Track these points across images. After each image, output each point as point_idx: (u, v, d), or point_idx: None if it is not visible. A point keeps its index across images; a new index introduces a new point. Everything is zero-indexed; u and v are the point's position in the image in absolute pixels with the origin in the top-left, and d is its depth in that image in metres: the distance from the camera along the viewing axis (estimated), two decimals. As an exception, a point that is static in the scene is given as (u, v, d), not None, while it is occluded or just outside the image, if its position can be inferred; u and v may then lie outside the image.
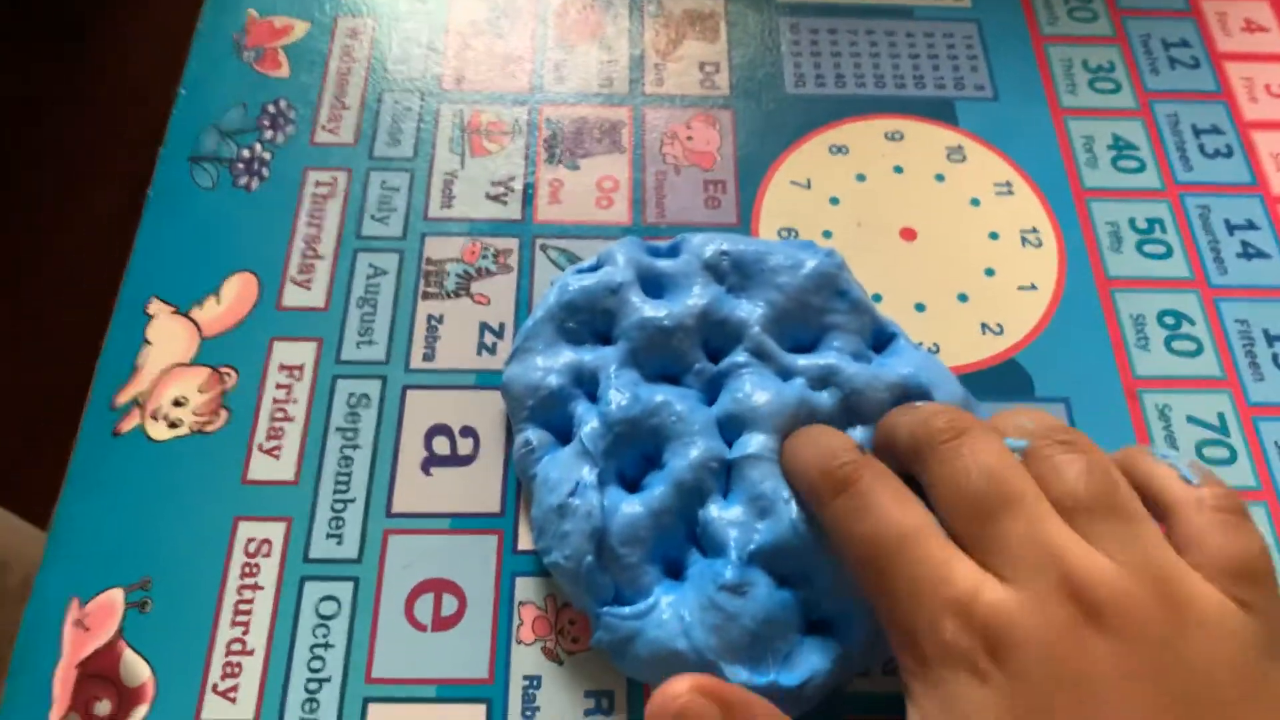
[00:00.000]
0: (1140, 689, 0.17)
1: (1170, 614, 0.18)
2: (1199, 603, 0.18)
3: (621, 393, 0.25)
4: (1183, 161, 0.33)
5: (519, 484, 0.27)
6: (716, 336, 0.26)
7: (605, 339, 0.27)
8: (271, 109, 0.33)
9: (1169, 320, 0.30)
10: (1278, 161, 0.33)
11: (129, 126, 1.06)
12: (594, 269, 0.28)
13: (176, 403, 0.28)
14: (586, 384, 0.27)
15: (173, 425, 0.28)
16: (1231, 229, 0.32)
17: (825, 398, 0.25)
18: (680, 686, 0.19)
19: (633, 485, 0.25)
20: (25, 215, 1.01)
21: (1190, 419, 0.28)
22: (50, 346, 0.91)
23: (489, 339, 0.29)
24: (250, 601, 0.25)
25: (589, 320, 0.27)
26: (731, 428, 0.25)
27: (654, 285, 0.28)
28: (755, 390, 0.25)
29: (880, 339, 0.28)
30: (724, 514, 0.24)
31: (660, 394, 0.25)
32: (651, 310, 0.26)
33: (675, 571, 0.24)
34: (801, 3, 0.37)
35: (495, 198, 0.32)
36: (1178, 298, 0.31)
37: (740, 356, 0.26)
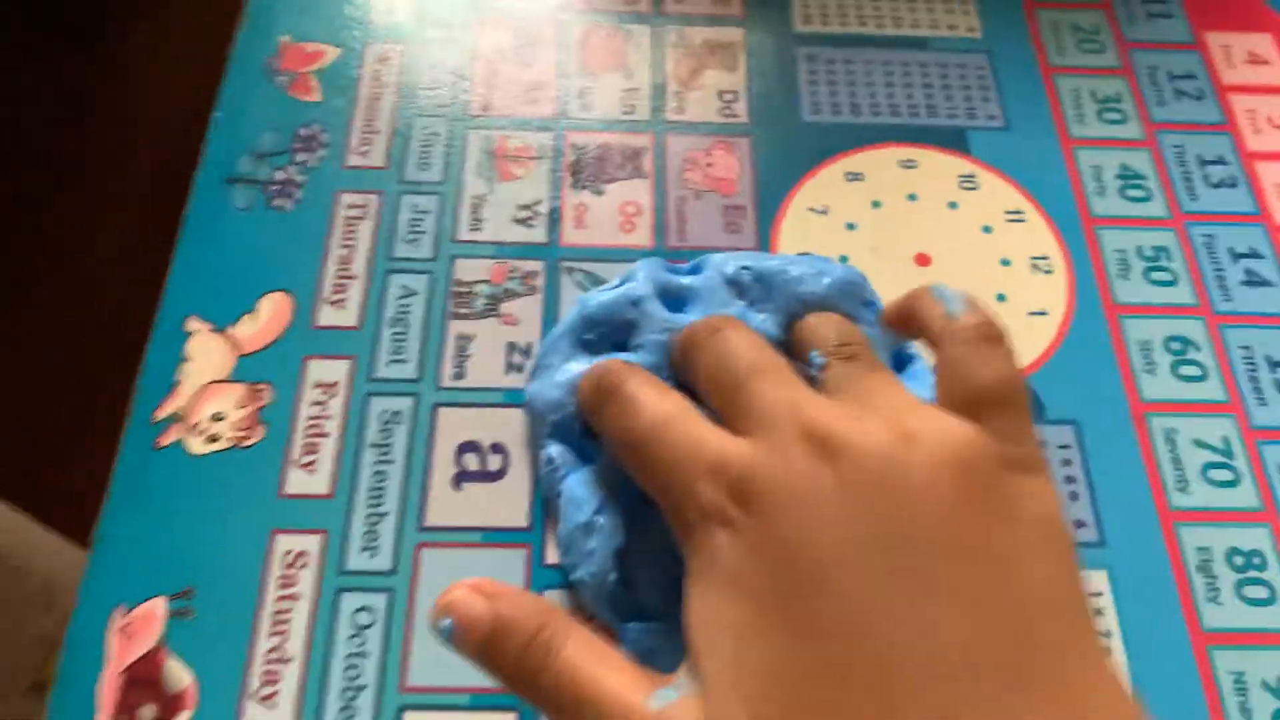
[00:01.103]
0: (865, 504, 0.18)
1: (898, 439, 0.19)
2: (929, 427, 0.19)
3: None
4: (1188, 191, 0.34)
5: (546, 500, 0.28)
6: None
7: (622, 350, 0.28)
8: (304, 132, 0.35)
9: (1175, 346, 0.31)
10: (1280, 192, 0.35)
11: (151, 145, 1.07)
12: (616, 287, 0.29)
13: (215, 418, 0.29)
14: None
15: (211, 439, 0.29)
16: (1236, 257, 0.33)
17: None
18: (455, 586, 0.21)
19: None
20: (54, 232, 1.02)
21: (1196, 442, 0.29)
22: (71, 359, 0.92)
23: (516, 358, 0.30)
24: (288, 611, 0.26)
25: (608, 333, 0.28)
26: None
27: (675, 302, 0.29)
28: None
29: (900, 360, 0.29)
30: None
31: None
32: (676, 320, 0.27)
33: None
34: (818, 33, 0.38)
35: (522, 221, 0.33)
36: (1184, 324, 0.32)
37: None
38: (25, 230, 1.01)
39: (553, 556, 0.27)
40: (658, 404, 0.23)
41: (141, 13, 1.14)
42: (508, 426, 0.29)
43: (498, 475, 0.28)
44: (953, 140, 0.35)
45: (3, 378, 0.90)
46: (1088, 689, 0.17)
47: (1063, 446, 0.29)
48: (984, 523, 0.18)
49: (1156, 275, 0.33)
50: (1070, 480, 0.29)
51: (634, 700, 0.18)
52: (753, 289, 0.28)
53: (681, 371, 0.25)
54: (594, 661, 0.19)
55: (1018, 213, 0.34)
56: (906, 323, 0.23)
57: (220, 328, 0.31)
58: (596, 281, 0.32)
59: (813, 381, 0.23)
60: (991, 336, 0.21)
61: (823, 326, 0.25)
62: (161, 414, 0.29)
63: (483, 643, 0.20)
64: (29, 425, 0.88)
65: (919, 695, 0.16)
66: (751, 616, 0.18)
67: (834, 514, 0.18)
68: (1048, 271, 0.33)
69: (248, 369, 0.30)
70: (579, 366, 0.27)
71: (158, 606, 0.26)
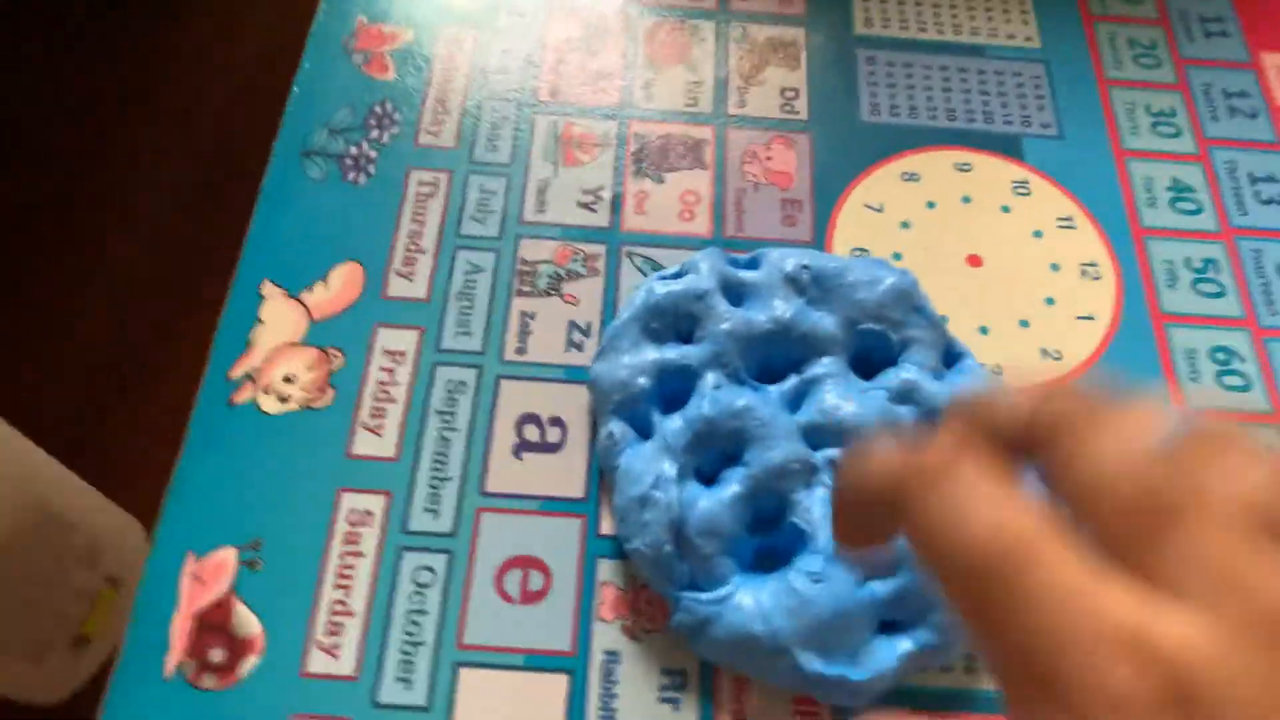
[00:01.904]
0: None
1: None
2: None
3: (705, 395, 0.27)
4: (1238, 206, 0.35)
5: (602, 473, 0.29)
6: (798, 347, 0.28)
7: (687, 341, 0.29)
8: (378, 110, 0.36)
9: (1220, 356, 0.32)
10: (1330, 211, 0.35)
11: (217, 117, 1.09)
12: (678, 276, 0.30)
13: (286, 379, 0.30)
14: (669, 382, 0.28)
15: (283, 400, 0.30)
16: (1283, 273, 0.34)
17: (905, 412, 0.27)
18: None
19: (709, 481, 0.27)
20: (119, 196, 1.04)
21: (1237, 450, 0.30)
22: (121, 329, 0.94)
23: (577, 336, 0.31)
24: (352, 567, 0.27)
25: (673, 323, 0.29)
26: (815, 436, 0.27)
27: (735, 295, 0.30)
28: (840, 401, 0.27)
29: (949, 357, 0.29)
30: (814, 507, 0.25)
31: (744, 398, 0.27)
32: (743, 314, 0.28)
33: (757, 563, 0.26)
34: (878, 36, 0.39)
35: (585, 205, 0.34)
36: (1229, 335, 0.32)
37: (822, 368, 0.28)
38: (93, 194, 1.03)
39: (607, 527, 0.28)
40: (1014, 511, 0.14)
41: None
42: (567, 401, 0.30)
43: (556, 447, 0.29)
44: (1007, 146, 0.36)
45: (54, 345, 0.92)
46: None
47: (1106, 448, 0.30)
48: None
49: (1204, 286, 0.33)
50: (1112, 481, 0.29)
51: None
52: (810, 288, 0.29)
53: (1027, 453, 0.16)
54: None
55: (1068, 219, 0.34)
56: None
57: (294, 293, 0.32)
58: (655, 267, 0.33)
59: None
60: None
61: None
62: (236, 372, 0.30)
63: None
64: (81, 390, 0.90)
65: None
66: None
67: None
68: (1096, 278, 0.33)
69: (319, 334, 0.31)
70: (649, 354, 0.28)
71: (228, 555, 0.28)
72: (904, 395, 0.27)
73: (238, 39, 1.14)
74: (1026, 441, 0.16)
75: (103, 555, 0.57)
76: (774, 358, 0.29)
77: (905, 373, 0.28)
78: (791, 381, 0.28)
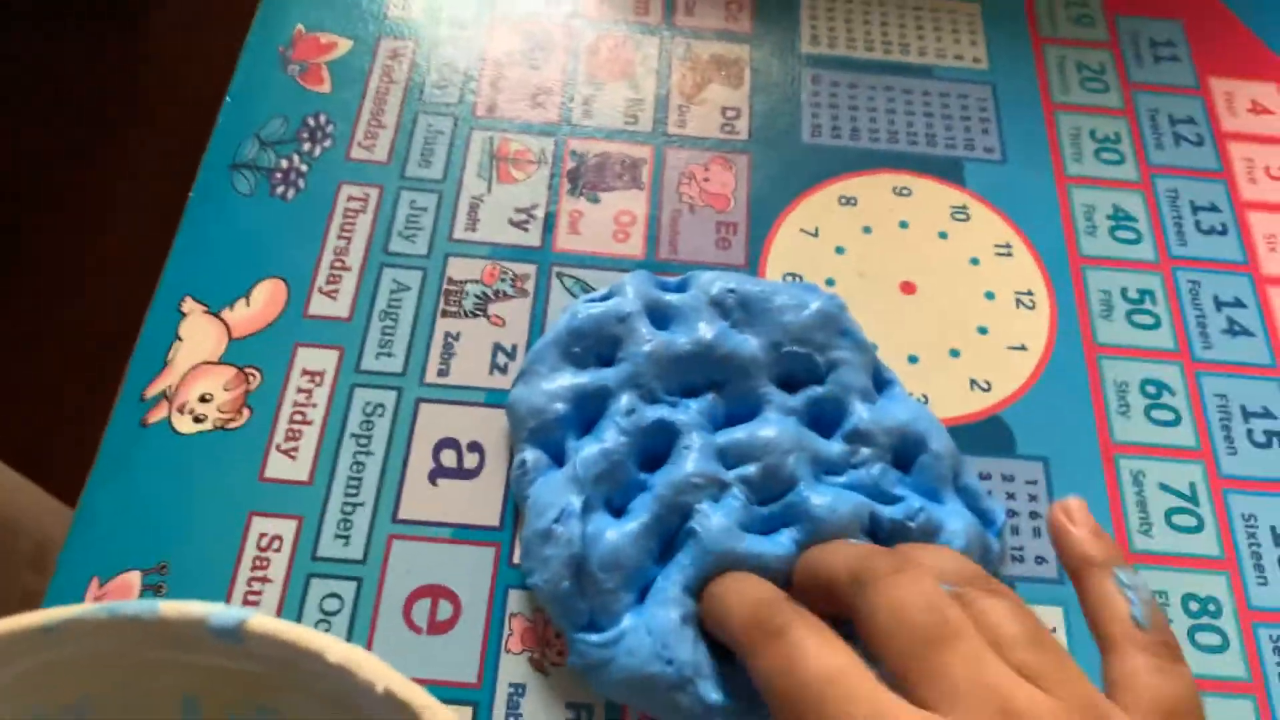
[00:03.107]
0: None
1: None
2: None
3: (614, 417, 0.27)
4: (1178, 236, 0.35)
5: (516, 502, 0.28)
6: (720, 369, 0.28)
7: (608, 364, 0.29)
8: (311, 122, 0.35)
9: (1151, 389, 0.32)
10: (1270, 243, 0.35)
11: (168, 128, 1.08)
12: (604, 299, 0.30)
13: (203, 398, 0.30)
14: (587, 407, 0.28)
15: (198, 420, 0.29)
16: (1219, 305, 0.33)
17: (830, 443, 0.27)
18: None
19: (620, 512, 0.27)
20: (72, 207, 1.03)
21: (1162, 486, 0.30)
22: (82, 330, 0.93)
23: (501, 359, 0.31)
24: (259, 593, 0.27)
25: (594, 345, 0.29)
26: (732, 456, 0.26)
27: (661, 318, 0.29)
28: (762, 424, 0.26)
29: (877, 383, 0.29)
30: (714, 516, 0.25)
31: (661, 411, 0.27)
32: (664, 336, 0.28)
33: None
34: (825, 55, 0.38)
35: (518, 224, 0.34)
36: (1161, 368, 0.32)
37: (750, 389, 0.27)
38: (42, 204, 1.03)
39: (519, 556, 0.28)
40: (828, 657, 0.20)
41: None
42: (487, 426, 0.30)
43: (473, 473, 0.29)
44: (949, 170, 0.36)
45: (14, 344, 0.92)
46: None
47: (1030, 482, 0.30)
48: None
49: (1139, 318, 0.33)
50: (1035, 516, 0.29)
51: None
52: (735, 311, 0.29)
53: (842, 599, 0.22)
54: None
55: (1006, 246, 0.34)
56: (1082, 590, 0.23)
57: (214, 310, 0.31)
58: (585, 289, 0.32)
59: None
60: (1174, 650, 0.21)
61: (934, 556, 0.23)
62: (151, 392, 0.30)
63: None
64: (35, 393, 0.89)
65: None
66: None
67: None
68: (1031, 307, 0.33)
69: (238, 352, 0.31)
70: (566, 379, 0.28)
71: (132, 580, 0.27)
72: (826, 408, 0.27)
73: (207, 45, 1.14)
74: (847, 591, 0.22)
75: (50, 559, 0.57)
76: (695, 380, 0.28)
77: (829, 389, 0.27)
78: (707, 399, 0.28)
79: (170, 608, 0.19)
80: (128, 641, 0.20)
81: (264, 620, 0.19)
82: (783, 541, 0.25)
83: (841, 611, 0.22)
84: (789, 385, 0.29)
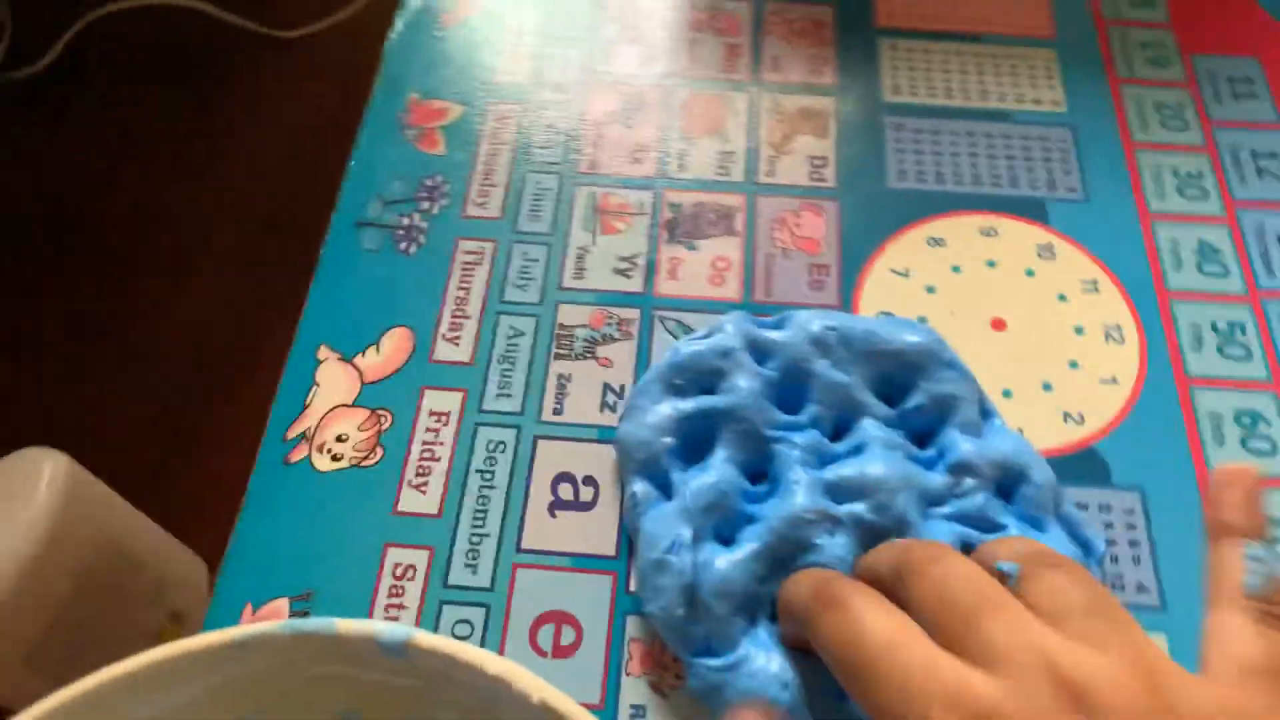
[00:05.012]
0: None
1: (1157, 702, 0.18)
2: (1190, 695, 0.19)
3: (715, 468, 0.29)
4: (1266, 269, 0.35)
5: (630, 533, 0.30)
6: (816, 388, 0.29)
7: (710, 395, 0.30)
8: (429, 183, 0.38)
9: (1245, 420, 0.32)
10: (1361, 273, 0.35)
11: (265, 187, 1.14)
12: (706, 336, 0.31)
13: (339, 439, 0.32)
14: (693, 432, 0.30)
15: (335, 459, 0.32)
16: (1311, 335, 0.34)
17: (933, 475, 0.28)
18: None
19: (728, 542, 0.28)
20: (178, 252, 1.09)
21: (1262, 514, 0.30)
22: (196, 378, 0.98)
23: (610, 398, 0.33)
24: (396, 619, 0.29)
25: (696, 378, 0.30)
26: (843, 492, 0.28)
27: (761, 355, 0.31)
28: (870, 461, 0.28)
29: (983, 412, 0.30)
30: (834, 550, 0.27)
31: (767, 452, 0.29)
32: (762, 371, 0.30)
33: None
34: (905, 104, 0.40)
35: (621, 272, 0.36)
36: (1255, 398, 0.33)
37: (868, 433, 0.29)
38: (152, 248, 1.09)
39: (635, 585, 0.29)
40: (887, 622, 0.21)
41: (266, 67, 1.22)
42: (600, 461, 0.32)
43: (589, 505, 0.31)
44: (1033, 210, 0.37)
45: (136, 389, 0.97)
46: None
47: (1127, 511, 0.30)
48: None
49: (1229, 350, 0.34)
50: (1134, 544, 0.30)
51: None
52: (836, 349, 0.30)
53: (892, 593, 0.23)
54: None
55: (1093, 283, 0.35)
56: (1211, 553, 0.23)
57: (347, 357, 0.34)
58: (686, 330, 0.34)
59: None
60: (1278, 621, 0.21)
61: (1002, 544, 0.24)
62: (292, 433, 0.33)
63: None
64: (156, 436, 0.94)
65: None
66: None
67: None
68: (1120, 341, 0.34)
69: (370, 396, 0.33)
70: (667, 408, 0.30)
71: (281, 606, 0.30)
72: (926, 417, 0.29)
73: (288, 109, 1.20)
74: (894, 582, 0.23)
75: (167, 593, 0.60)
76: (792, 398, 0.30)
77: (947, 438, 0.29)
78: (813, 434, 0.29)
79: (345, 625, 0.21)
80: (305, 657, 0.22)
81: (427, 636, 0.21)
82: None
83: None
84: (889, 398, 0.30)
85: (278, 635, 0.21)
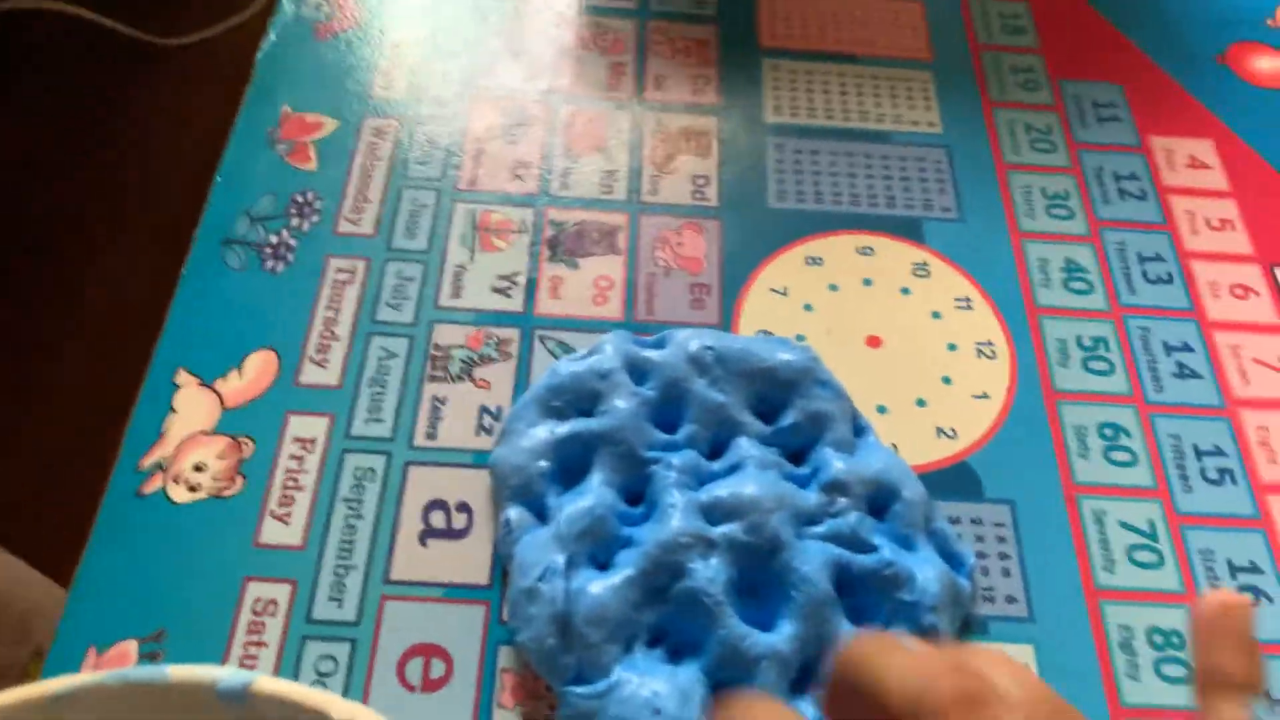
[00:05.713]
0: None
1: None
2: None
3: (593, 490, 0.28)
4: (1127, 286, 0.37)
5: (503, 560, 0.29)
6: (693, 408, 0.29)
7: (587, 416, 0.30)
8: (299, 199, 0.37)
9: (1108, 432, 0.33)
10: (1213, 290, 0.37)
11: (154, 203, 1.10)
12: (585, 357, 0.31)
13: (197, 468, 0.31)
14: (569, 457, 0.29)
15: (192, 489, 0.30)
16: (1169, 350, 0.35)
17: (808, 494, 0.28)
18: None
19: (605, 566, 0.28)
20: (56, 279, 1.04)
21: (1123, 524, 0.31)
22: (68, 402, 0.93)
23: (487, 421, 0.32)
24: (255, 657, 0.28)
25: (574, 400, 0.30)
26: (717, 513, 0.27)
27: (640, 374, 0.31)
28: (744, 481, 0.28)
29: (854, 431, 0.31)
30: (713, 577, 0.26)
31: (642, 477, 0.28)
32: (639, 391, 0.29)
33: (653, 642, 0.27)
34: (787, 124, 0.40)
35: (500, 290, 0.35)
36: (1117, 411, 0.34)
37: (743, 451, 0.29)
38: (27, 277, 1.03)
39: (508, 614, 0.29)
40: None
41: (156, 76, 1.18)
42: (475, 487, 0.31)
43: (463, 533, 0.30)
44: (909, 230, 0.38)
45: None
46: None
47: (998, 524, 0.31)
48: None
49: (1094, 364, 0.35)
50: (1004, 557, 0.30)
51: None
52: (714, 368, 0.30)
53: (894, 711, 0.19)
54: None
55: (966, 300, 0.36)
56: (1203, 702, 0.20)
57: (207, 382, 0.32)
58: (567, 350, 0.34)
59: None
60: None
61: (999, 678, 0.19)
62: (146, 462, 0.31)
63: None
64: (18, 465, 0.89)
65: None
66: None
67: None
68: (992, 357, 0.35)
69: (231, 422, 0.32)
70: (544, 431, 0.29)
71: (129, 649, 0.28)
72: (801, 433, 0.29)
73: (174, 120, 1.15)
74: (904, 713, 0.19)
75: (32, 630, 0.56)
76: (671, 418, 0.30)
77: (821, 456, 0.29)
78: (690, 454, 0.29)
79: (179, 672, 0.20)
80: (137, 709, 0.20)
81: (269, 681, 0.20)
82: (785, 633, 0.26)
83: None
84: (765, 415, 0.31)
85: (104, 685, 0.20)
